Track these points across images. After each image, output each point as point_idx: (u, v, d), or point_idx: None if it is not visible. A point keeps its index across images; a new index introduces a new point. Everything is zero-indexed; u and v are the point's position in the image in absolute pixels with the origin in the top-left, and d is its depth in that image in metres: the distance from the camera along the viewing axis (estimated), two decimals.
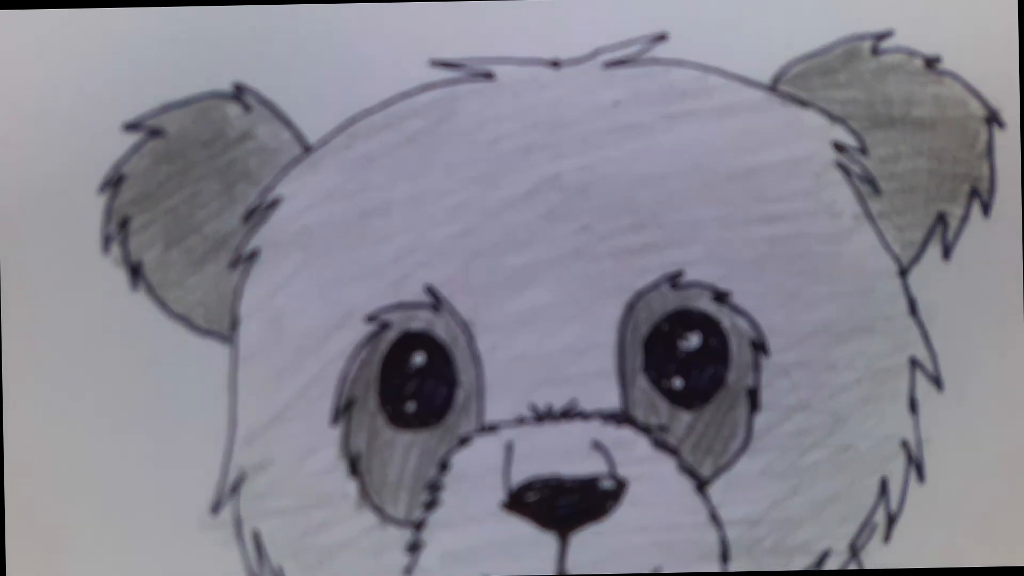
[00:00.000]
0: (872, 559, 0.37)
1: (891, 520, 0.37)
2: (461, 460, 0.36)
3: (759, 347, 0.37)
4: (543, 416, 0.36)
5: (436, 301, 0.37)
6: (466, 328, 0.37)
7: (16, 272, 0.38)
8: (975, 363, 0.37)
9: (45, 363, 0.38)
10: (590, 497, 0.36)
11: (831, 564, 0.37)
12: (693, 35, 0.38)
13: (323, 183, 0.37)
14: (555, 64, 0.38)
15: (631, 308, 0.36)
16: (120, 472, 0.38)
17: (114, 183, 0.38)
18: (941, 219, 0.37)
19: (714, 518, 0.36)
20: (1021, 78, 0.38)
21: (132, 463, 0.38)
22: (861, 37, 0.38)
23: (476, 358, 0.37)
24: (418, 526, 0.37)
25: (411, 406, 0.37)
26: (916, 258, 0.37)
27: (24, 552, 0.38)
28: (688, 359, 0.37)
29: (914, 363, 0.37)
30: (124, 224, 0.38)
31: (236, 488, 0.38)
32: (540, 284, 0.37)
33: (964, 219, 0.38)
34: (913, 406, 0.37)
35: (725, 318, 0.37)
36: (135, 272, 0.38)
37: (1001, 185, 0.37)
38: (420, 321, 0.37)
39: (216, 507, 0.38)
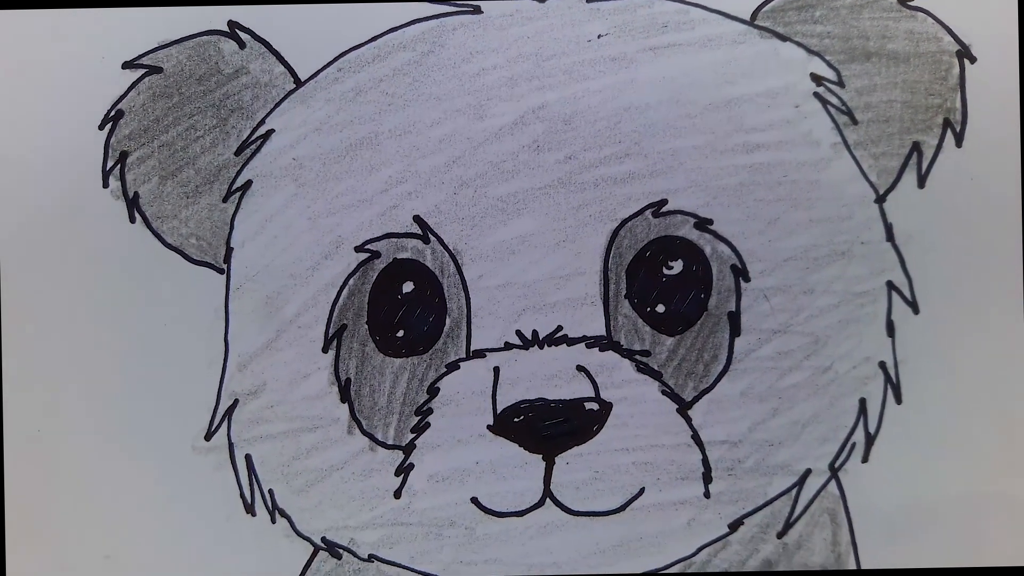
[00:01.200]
0: (851, 478, 0.37)
1: (870, 440, 0.38)
2: (449, 385, 0.37)
3: (740, 272, 0.37)
4: (529, 342, 0.37)
5: (424, 231, 0.37)
6: (454, 257, 0.37)
7: (18, 205, 0.38)
8: (950, 287, 0.38)
9: (45, 291, 0.38)
10: (575, 419, 0.36)
11: (812, 483, 0.37)
12: None
13: (313, 116, 0.38)
14: None
15: (615, 236, 0.37)
16: (116, 398, 0.38)
17: (113, 119, 0.38)
18: (916, 149, 0.38)
19: (696, 439, 0.37)
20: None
21: (128, 389, 0.38)
22: None
23: (464, 286, 0.37)
24: (407, 449, 0.37)
25: (400, 333, 0.37)
26: (892, 186, 0.38)
27: (23, 474, 0.38)
28: (670, 285, 0.37)
29: (891, 287, 0.38)
30: (122, 158, 0.38)
31: (229, 413, 0.38)
32: (526, 213, 0.37)
33: (938, 149, 0.38)
34: (890, 329, 0.38)
35: (707, 245, 0.37)
36: (132, 204, 0.38)
37: (972, 116, 0.38)
38: (409, 250, 0.37)
39: (209, 432, 0.38)
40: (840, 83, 0.38)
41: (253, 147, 0.38)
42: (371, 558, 0.38)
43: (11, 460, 0.38)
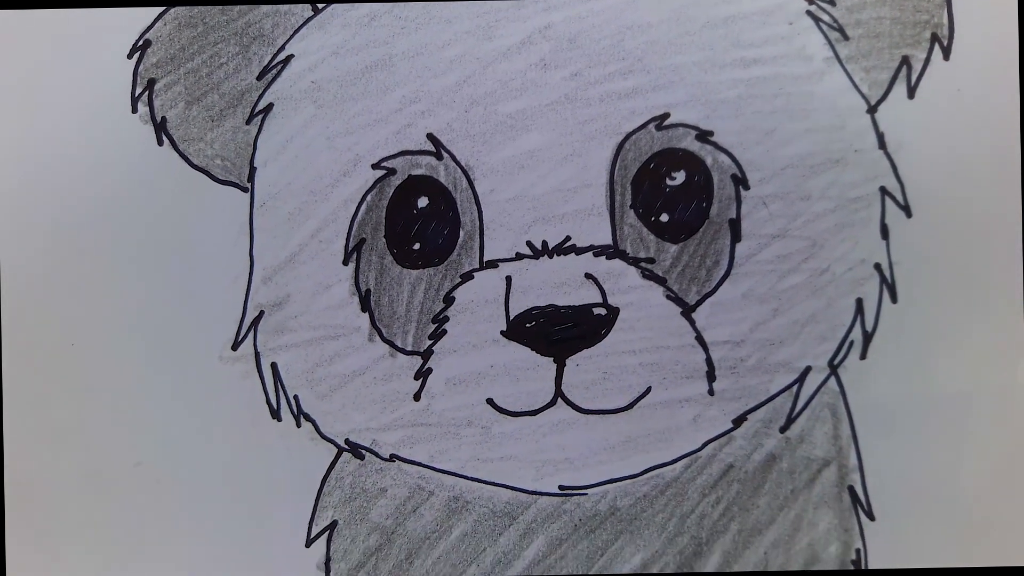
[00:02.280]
0: (850, 375, 0.39)
1: (867, 338, 0.39)
2: (464, 294, 0.38)
3: (740, 181, 0.39)
4: (539, 252, 0.38)
5: (437, 148, 0.39)
6: (466, 172, 0.39)
7: (52, 132, 0.40)
8: (940, 191, 0.39)
9: (78, 211, 0.40)
10: (584, 324, 0.37)
11: (812, 380, 0.38)
12: None
13: (330, 40, 0.40)
14: None
15: (620, 149, 0.38)
16: (146, 313, 0.40)
17: (141, 48, 0.40)
18: (905, 62, 0.40)
19: (700, 340, 0.38)
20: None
21: (158, 304, 0.40)
22: None
23: (476, 200, 0.39)
24: (425, 355, 0.39)
25: (416, 246, 0.39)
26: (883, 97, 0.39)
27: (57, 384, 0.40)
28: (674, 195, 0.39)
29: (884, 192, 0.39)
30: (150, 85, 0.40)
31: (255, 324, 0.40)
32: (534, 129, 0.39)
33: (926, 62, 0.40)
34: (884, 232, 0.39)
35: (708, 155, 0.39)
36: (160, 128, 0.40)
37: (959, 31, 0.39)
38: (423, 167, 0.39)
39: (236, 342, 0.40)
40: (831, 1, 0.39)
41: (274, 72, 0.40)
42: (392, 458, 0.39)
43: (44, 370, 0.40)
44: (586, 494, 0.39)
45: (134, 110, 0.40)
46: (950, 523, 0.39)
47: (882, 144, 0.39)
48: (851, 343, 0.39)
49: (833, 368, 0.39)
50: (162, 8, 0.40)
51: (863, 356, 0.39)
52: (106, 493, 0.40)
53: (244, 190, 0.40)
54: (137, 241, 0.40)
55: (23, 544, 0.40)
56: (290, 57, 0.40)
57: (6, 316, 0.40)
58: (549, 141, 0.39)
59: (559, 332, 0.37)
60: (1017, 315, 0.39)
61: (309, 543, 0.40)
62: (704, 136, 0.38)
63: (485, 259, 0.38)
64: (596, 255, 0.38)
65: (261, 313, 0.40)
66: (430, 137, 0.39)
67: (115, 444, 0.40)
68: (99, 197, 0.40)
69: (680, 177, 0.39)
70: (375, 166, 0.39)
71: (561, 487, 0.39)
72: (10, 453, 0.40)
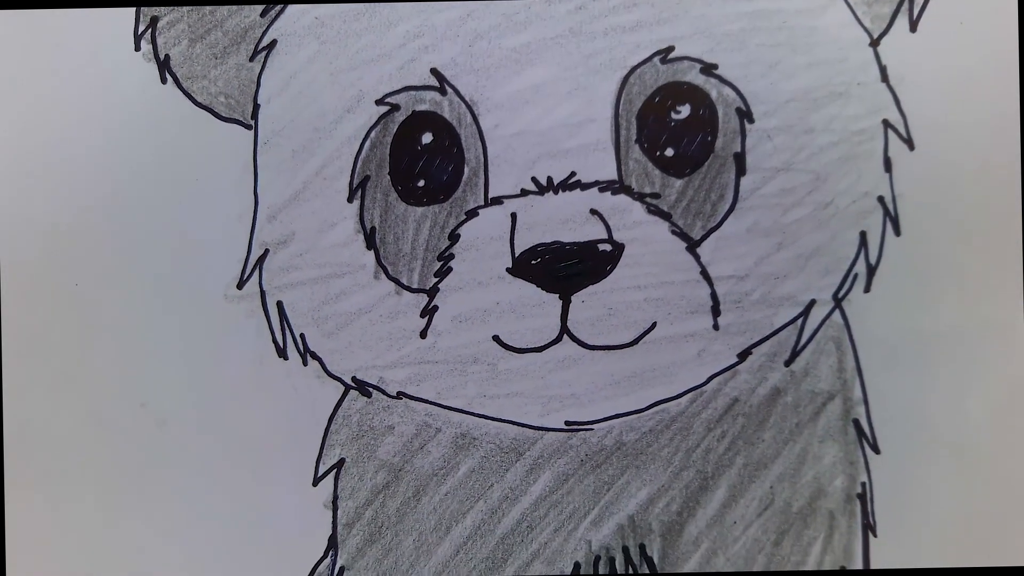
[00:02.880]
0: (854, 308, 0.39)
1: (871, 271, 0.39)
2: (469, 231, 0.38)
3: (744, 114, 0.39)
4: (544, 188, 0.38)
5: (441, 83, 0.38)
6: (470, 107, 0.39)
7: (55, 69, 0.40)
8: (942, 124, 0.39)
9: (81, 147, 0.40)
10: (589, 260, 0.38)
11: (816, 313, 0.39)
12: None
13: None
14: None
15: (625, 83, 0.39)
16: (152, 251, 0.40)
17: None
18: None
19: (704, 275, 0.38)
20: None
21: (162, 243, 0.40)
22: None
23: (480, 135, 0.39)
24: (431, 292, 0.39)
25: (421, 183, 0.39)
26: (885, 30, 0.40)
27: (60, 322, 0.40)
28: (678, 129, 0.39)
29: (886, 125, 0.39)
30: (153, 23, 0.40)
31: (260, 262, 0.40)
32: (538, 63, 0.39)
33: None
34: (887, 165, 0.39)
35: (713, 89, 0.39)
36: (163, 67, 0.40)
37: None
38: (427, 102, 0.39)
39: (242, 281, 0.40)
40: None
41: (277, 9, 0.40)
42: (399, 395, 0.39)
43: (47, 311, 0.40)
44: (592, 429, 0.39)
45: (137, 48, 0.40)
46: (955, 455, 0.39)
47: (884, 77, 0.39)
48: (855, 276, 0.39)
49: (837, 301, 0.39)
50: None
51: (867, 289, 0.39)
52: (111, 434, 0.40)
53: (248, 128, 0.40)
54: (141, 179, 0.40)
55: (25, 486, 0.40)
56: None
57: (8, 258, 0.40)
58: (554, 75, 0.39)
59: (564, 268, 0.38)
60: (1017, 247, 0.39)
61: (316, 482, 0.40)
62: (708, 69, 0.38)
63: (490, 196, 0.38)
64: (601, 190, 0.38)
65: (266, 251, 0.40)
66: (434, 72, 0.39)
67: (120, 384, 0.40)
68: (102, 136, 0.40)
69: (685, 111, 0.39)
70: (379, 102, 0.39)
71: (567, 423, 0.39)
72: (12, 394, 0.40)
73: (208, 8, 0.40)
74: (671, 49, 0.38)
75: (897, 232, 0.39)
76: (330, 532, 0.40)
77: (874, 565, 0.39)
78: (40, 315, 0.40)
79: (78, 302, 0.40)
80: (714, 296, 0.39)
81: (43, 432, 0.40)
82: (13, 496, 0.41)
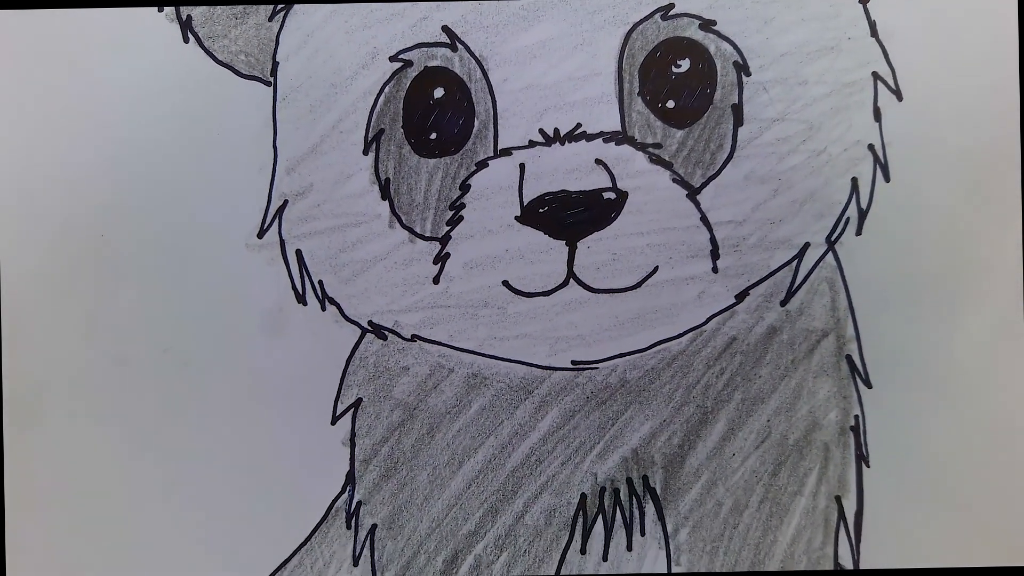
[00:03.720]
0: (846, 250, 0.41)
1: (862, 215, 0.41)
2: (479, 181, 0.41)
3: (741, 68, 0.41)
4: (551, 139, 0.40)
5: (452, 39, 0.40)
6: (480, 63, 0.41)
7: (80, 29, 0.42)
8: (930, 76, 0.42)
9: (108, 103, 0.42)
10: (594, 208, 0.39)
11: (810, 255, 0.41)
12: None
13: None
14: None
15: (627, 39, 0.41)
16: (176, 203, 0.43)
17: None
18: None
19: (704, 221, 0.40)
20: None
21: (186, 195, 0.42)
22: None
23: (490, 90, 0.41)
24: (443, 240, 0.41)
25: (433, 136, 0.41)
26: None
27: (86, 270, 0.42)
28: (679, 82, 0.41)
29: (876, 77, 0.41)
30: None
31: (279, 213, 0.42)
32: (545, 20, 0.41)
33: None
34: (877, 115, 0.41)
35: (711, 44, 0.41)
36: (186, 27, 0.42)
37: None
38: (438, 58, 0.41)
39: (262, 230, 0.41)
40: None
41: None
42: (414, 338, 0.41)
43: (73, 259, 0.42)
44: (597, 368, 0.41)
45: (160, 8, 0.42)
46: (944, 388, 0.41)
47: (874, 32, 0.41)
48: (847, 220, 0.41)
49: (830, 244, 0.41)
50: None
51: (859, 232, 0.41)
52: (135, 379, 0.42)
53: (267, 84, 0.42)
54: (165, 135, 0.42)
55: (52, 430, 0.42)
56: None
57: (37, 211, 0.42)
58: (560, 31, 0.41)
59: (571, 216, 0.39)
60: (1005, 192, 0.41)
61: (334, 420, 0.42)
62: (707, 25, 0.41)
63: (499, 147, 0.40)
64: (605, 141, 0.40)
65: (285, 202, 0.42)
66: (445, 29, 0.41)
67: (145, 331, 0.42)
68: (128, 93, 0.43)
69: (685, 65, 0.41)
70: (392, 59, 0.41)
71: (574, 362, 0.41)
72: (39, 340, 0.42)
73: None
74: (671, 6, 0.41)
75: (887, 178, 0.41)
76: (348, 468, 0.42)
77: (867, 494, 0.41)
78: (67, 265, 0.42)
79: (105, 252, 0.42)
80: (713, 241, 0.41)
81: (71, 377, 0.42)
82: (39, 442, 0.43)
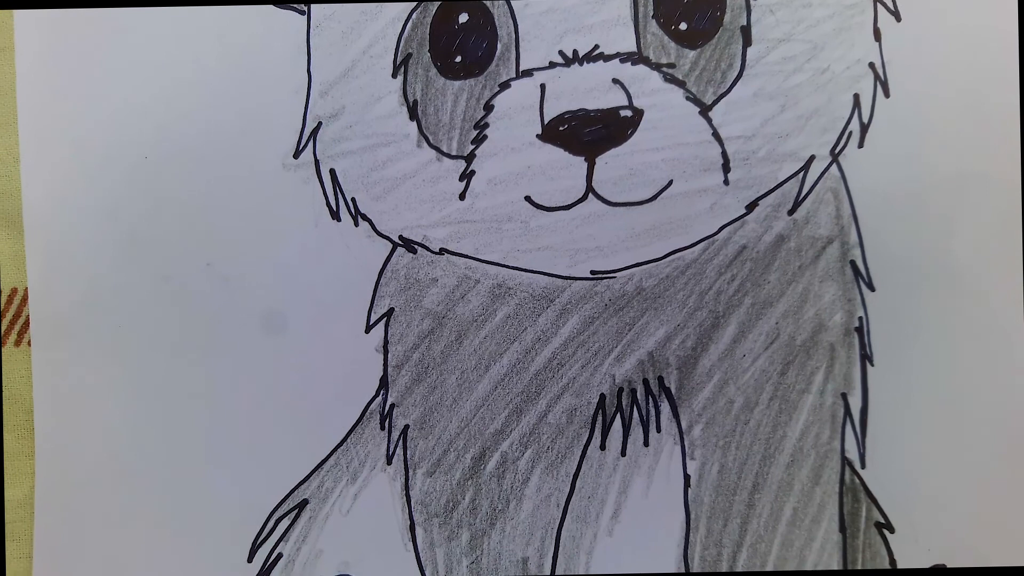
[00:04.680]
0: (849, 162, 0.43)
1: (864, 129, 0.43)
2: (502, 101, 0.43)
3: None
4: (570, 60, 0.42)
5: None
6: None
7: None
8: None
9: (152, 35, 0.44)
10: (612, 125, 0.42)
11: (816, 167, 0.43)
12: None
13: None
14: None
15: None
16: (215, 125, 0.45)
17: None
18: None
19: (716, 136, 0.43)
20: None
21: (226, 118, 0.45)
22: None
23: (512, 14, 0.43)
24: (468, 158, 0.43)
25: (458, 59, 0.43)
26: None
27: (132, 191, 0.44)
28: (691, 5, 0.43)
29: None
30: None
31: (314, 134, 0.44)
32: None
33: None
34: (877, 34, 0.43)
35: None
36: None
37: None
38: None
39: (297, 151, 0.44)
40: None
41: None
42: (442, 251, 0.44)
43: (118, 181, 0.44)
44: (615, 277, 0.44)
45: None
46: (944, 290, 0.43)
47: None
48: (850, 133, 0.43)
49: (834, 156, 0.43)
50: None
51: (861, 145, 0.43)
52: (179, 292, 0.44)
53: (301, 13, 0.44)
54: (206, 63, 0.45)
55: (95, 342, 0.45)
56: None
57: (83, 136, 0.44)
58: None
59: (589, 133, 0.42)
60: (999, 106, 0.44)
61: (368, 329, 0.44)
62: None
63: (521, 69, 0.43)
64: (622, 61, 0.42)
65: (319, 124, 0.44)
66: None
67: (187, 247, 0.45)
68: (170, 26, 0.44)
69: None
70: None
71: (593, 272, 0.43)
72: (84, 259, 0.44)
73: None
74: None
75: (887, 94, 0.44)
76: (381, 373, 0.44)
77: (871, 391, 0.44)
78: (112, 185, 0.45)
79: (147, 173, 0.44)
80: (724, 155, 0.43)
81: (116, 292, 0.45)
82: (85, 351, 0.45)
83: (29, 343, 0.45)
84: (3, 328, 0.45)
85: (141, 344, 0.45)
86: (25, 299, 0.45)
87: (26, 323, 0.45)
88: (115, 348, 0.45)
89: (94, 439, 0.45)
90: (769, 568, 0.45)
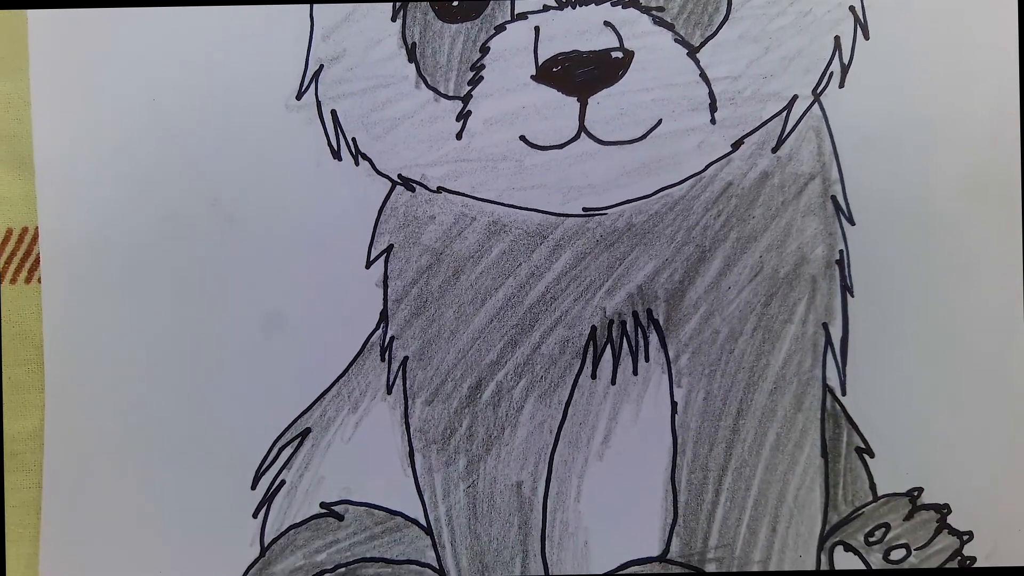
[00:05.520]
0: (831, 101, 0.45)
1: (844, 70, 0.45)
2: (498, 43, 0.44)
3: None
4: (563, 3, 0.43)
5: None
6: None
7: None
8: None
9: None
10: (604, 66, 0.43)
11: (798, 106, 0.45)
12: None
13: None
14: None
15: None
16: (220, 66, 0.46)
17: None
18: None
19: (703, 77, 0.44)
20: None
21: (230, 60, 0.45)
22: None
23: None
24: (465, 99, 0.44)
25: (455, 1, 0.44)
26: None
27: (135, 141, 0.46)
28: None
29: None
30: None
31: (316, 76, 0.45)
32: None
33: None
34: None
35: None
36: None
37: None
38: None
39: (300, 92, 0.46)
40: None
41: None
42: (439, 189, 0.45)
43: (122, 121, 0.46)
44: (606, 214, 0.45)
45: None
46: (922, 223, 0.45)
47: None
48: (831, 74, 0.45)
49: (816, 96, 0.45)
50: None
51: (841, 85, 0.45)
52: (185, 232, 0.46)
53: None
54: (213, 8, 0.45)
55: (105, 281, 0.46)
56: None
57: (93, 78, 0.46)
58: None
59: (582, 74, 0.43)
60: (976, 45, 0.45)
61: (369, 265, 0.46)
62: None
63: (515, 12, 0.44)
64: (613, 5, 0.43)
65: (321, 67, 0.46)
66: None
67: (193, 185, 0.46)
68: None
69: None
70: None
71: (585, 208, 0.45)
72: (93, 200, 0.46)
73: None
74: None
75: (866, 36, 0.45)
76: (381, 307, 0.46)
77: (852, 321, 0.45)
78: (121, 128, 0.46)
79: (155, 115, 0.46)
80: (711, 95, 0.44)
81: (122, 230, 0.46)
82: (94, 287, 0.46)
83: (39, 280, 0.47)
84: (14, 266, 0.47)
85: (148, 281, 0.46)
86: (36, 238, 0.47)
87: (36, 261, 0.47)
88: (123, 285, 0.46)
89: (102, 372, 0.46)
90: (752, 491, 0.47)
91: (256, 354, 0.46)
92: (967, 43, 0.45)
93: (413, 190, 0.46)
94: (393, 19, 0.45)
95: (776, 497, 0.46)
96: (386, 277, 0.46)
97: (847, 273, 0.45)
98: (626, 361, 0.46)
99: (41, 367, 0.46)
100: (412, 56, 0.45)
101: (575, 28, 0.43)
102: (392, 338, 0.46)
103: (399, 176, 0.46)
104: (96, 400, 0.46)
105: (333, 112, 0.46)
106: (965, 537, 0.45)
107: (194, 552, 0.46)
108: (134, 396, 0.46)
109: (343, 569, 0.46)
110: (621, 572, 0.45)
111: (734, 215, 0.45)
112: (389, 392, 0.46)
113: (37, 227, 0.46)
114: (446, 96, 0.45)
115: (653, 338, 0.46)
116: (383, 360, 0.46)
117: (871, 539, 0.45)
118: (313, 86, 0.46)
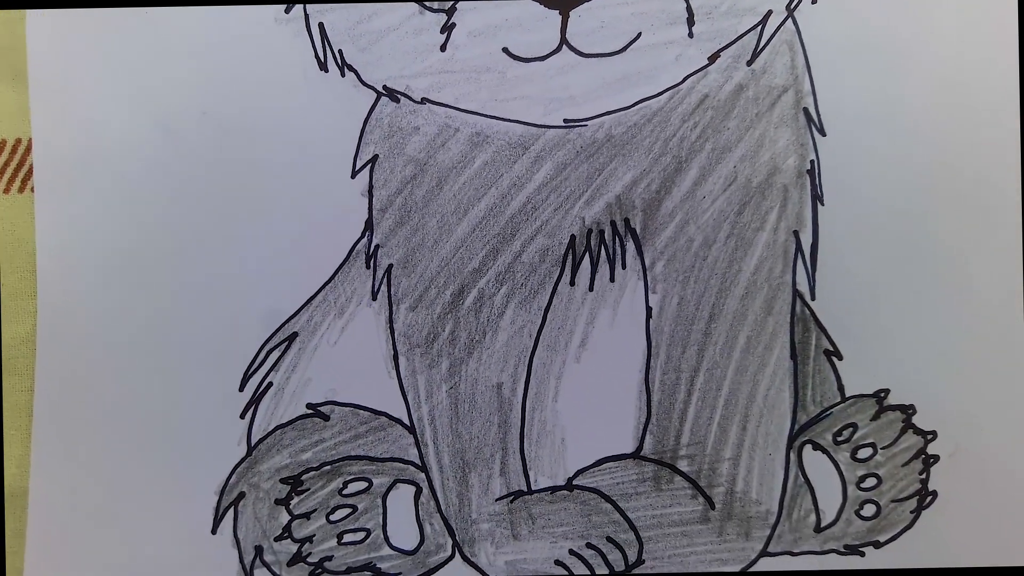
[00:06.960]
0: (804, 16, 0.46)
1: None
2: None
3: None
4: None
5: None
6: None
7: None
8: None
9: None
10: None
11: (773, 21, 0.46)
12: None
13: None
14: None
15: None
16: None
17: None
18: None
19: None
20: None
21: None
22: None
23: None
24: (449, 12, 0.46)
25: None
26: None
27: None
28: None
29: None
30: None
31: None
32: None
33: None
34: None
35: None
36: None
37: None
38: None
39: (289, 6, 0.47)
40: None
41: None
42: (423, 100, 0.47)
43: (121, 31, 0.47)
44: (586, 125, 0.47)
45: None
46: (891, 135, 0.46)
47: None
48: None
49: (790, 11, 0.46)
50: None
51: (814, 1, 0.46)
52: (176, 141, 0.47)
53: None
54: None
55: (97, 190, 0.47)
56: None
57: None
58: None
59: None
60: None
61: (354, 174, 0.47)
62: None
63: None
64: None
65: None
66: None
67: (185, 95, 0.47)
68: None
69: None
70: None
71: (566, 120, 0.46)
72: (85, 111, 0.47)
73: None
74: None
75: None
76: (366, 216, 0.47)
77: (821, 228, 0.47)
78: (113, 40, 0.47)
79: (147, 28, 0.47)
80: (689, 9, 0.46)
81: (114, 138, 0.47)
82: (85, 197, 0.47)
83: (32, 190, 0.48)
84: (8, 175, 0.48)
85: (138, 190, 0.47)
86: (29, 149, 0.48)
87: (29, 171, 0.48)
88: (113, 194, 0.48)
89: (93, 278, 0.47)
90: (723, 391, 0.49)
91: (245, 260, 0.47)
92: None
93: (398, 101, 0.47)
94: None
95: (746, 397, 0.48)
96: (371, 187, 0.47)
97: (817, 182, 0.47)
98: (603, 268, 0.47)
99: (34, 275, 0.48)
100: None
101: None
102: (377, 246, 0.47)
103: (384, 87, 0.47)
104: (87, 306, 0.47)
105: (320, 24, 0.47)
106: (929, 436, 0.47)
107: (182, 451, 0.47)
108: (124, 301, 0.47)
109: (328, 467, 0.48)
110: (596, 468, 0.47)
111: (710, 127, 0.47)
112: (374, 298, 0.48)
113: (31, 138, 0.48)
114: (431, 8, 0.46)
115: (630, 246, 0.47)
116: (368, 267, 0.47)
117: (839, 438, 0.47)
118: None
